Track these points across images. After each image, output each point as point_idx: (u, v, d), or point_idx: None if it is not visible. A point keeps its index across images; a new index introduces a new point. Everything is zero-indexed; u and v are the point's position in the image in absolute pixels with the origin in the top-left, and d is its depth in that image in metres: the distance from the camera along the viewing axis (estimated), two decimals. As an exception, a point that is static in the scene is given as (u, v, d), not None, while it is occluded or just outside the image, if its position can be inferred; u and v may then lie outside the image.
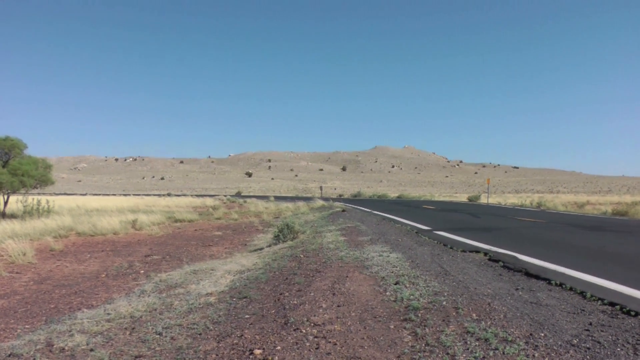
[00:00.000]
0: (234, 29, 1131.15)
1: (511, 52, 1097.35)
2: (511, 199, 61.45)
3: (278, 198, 69.30)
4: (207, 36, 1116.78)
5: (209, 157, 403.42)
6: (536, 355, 4.68)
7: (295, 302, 7.31)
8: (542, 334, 5.23)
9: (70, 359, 5.51)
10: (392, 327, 5.80)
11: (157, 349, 5.75)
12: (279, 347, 5.38)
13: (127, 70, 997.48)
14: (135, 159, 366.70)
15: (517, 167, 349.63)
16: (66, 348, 5.90)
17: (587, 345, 4.91)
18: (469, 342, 5.06)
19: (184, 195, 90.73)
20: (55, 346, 5.99)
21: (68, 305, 9.12)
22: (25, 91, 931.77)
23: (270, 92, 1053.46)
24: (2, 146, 26.35)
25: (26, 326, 7.85)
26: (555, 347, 4.87)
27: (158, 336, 6.21)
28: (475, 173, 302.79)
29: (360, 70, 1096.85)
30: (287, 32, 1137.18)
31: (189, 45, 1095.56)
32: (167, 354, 5.54)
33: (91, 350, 5.76)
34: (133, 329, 6.68)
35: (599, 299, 6.74)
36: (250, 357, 5.22)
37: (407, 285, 7.71)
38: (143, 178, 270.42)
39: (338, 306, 6.83)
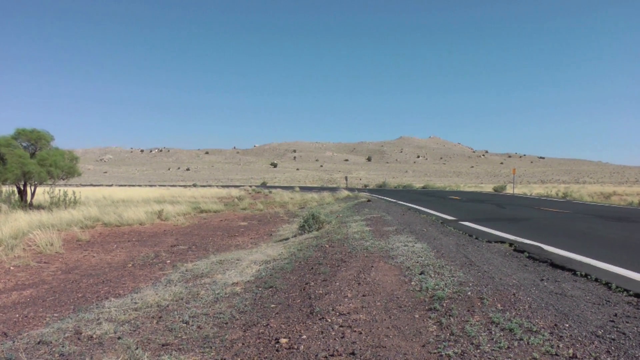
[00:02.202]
0: (260, 21, 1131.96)
1: (537, 44, 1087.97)
2: (537, 190, 61.11)
3: (303, 188, 69.36)
4: (233, 30, 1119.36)
5: (234, 147, 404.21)
6: (561, 345, 4.69)
7: (321, 291, 7.35)
8: (567, 325, 5.23)
9: (98, 347, 5.58)
10: (417, 316, 5.82)
11: (183, 337, 5.81)
12: (304, 336, 5.42)
13: (153, 63, 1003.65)
14: (161, 150, 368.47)
15: (543, 158, 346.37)
16: (94, 336, 5.98)
17: (612, 337, 4.90)
18: (493, 332, 5.07)
19: (210, 186, 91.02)
20: (83, 334, 6.08)
21: (95, 294, 9.25)
22: (52, 85, 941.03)
23: (295, 83, 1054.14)
24: (29, 138, 26.62)
25: (55, 314, 7.98)
26: (580, 338, 4.86)
27: (184, 325, 6.27)
28: (501, 163, 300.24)
29: (386, 61, 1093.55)
30: (313, 24, 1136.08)
31: (214, 39, 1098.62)
32: (194, 343, 5.60)
33: (119, 338, 5.83)
34: (160, 317, 6.75)
35: (625, 290, 6.71)
36: (276, 345, 5.26)
37: (432, 275, 7.73)
38: (168, 169, 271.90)
39: (363, 296, 6.87)
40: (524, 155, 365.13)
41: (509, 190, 56.33)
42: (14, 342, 6.05)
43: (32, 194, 27.04)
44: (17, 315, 8.03)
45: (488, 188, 69.90)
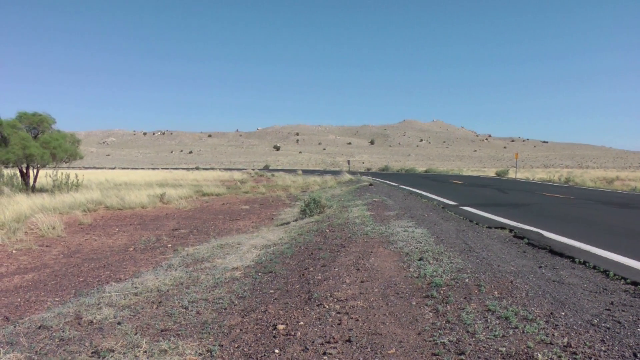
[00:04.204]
0: (264, 6, 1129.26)
1: (542, 30, 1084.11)
2: (540, 174, 60.94)
3: (306, 172, 69.31)
4: (237, 14, 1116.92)
5: (237, 130, 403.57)
6: (555, 334, 4.71)
7: (320, 277, 7.39)
8: (563, 313, 5.25)
9: (98, 332, 5.63)
10: (414, 303, 5.85)
11: (182, 323, 5.86)
12: (301, 323, 5.46)
13: (156, 46, 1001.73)
14: (164, 133, 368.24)
15: (546, 142, 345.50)
16: (94, 321, 6.03)
17: (607, 325, 4.92)
18: (489, 320, 5.10)
19: (212, 169, 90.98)
20: (83, 319, 6.12)
21: (97, 279, 9.30)
22: (54, 68, 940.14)
23: (298, 66, 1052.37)
24: (31, 121, 26.58)
25: (56, 299, 8.04)
26: (575, 327, 4.88)
27: (184, 310, 6.32)
28: (504, 147, 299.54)
29: (389, 44, 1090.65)
30: (316, 10, 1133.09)
31: (217, 23, 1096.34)
32: (192, 328, 5.64)
33: (118, 323, 5.88)
34: (160, 302, 6.80)
35: (622, 278, 6.72)
36: (274, 332, 5.30)
37: (431, 262, 7.74)
38: (171, 152, 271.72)
39: (361, 282, 6.89)
40: (527, 139, 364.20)
41: (512, 174, 56.19)
42: (15, 326, 6.11)
43: (35, 177, 27.03)
44: (19, 299, 8.09)
45: (491, 172, 69.77)
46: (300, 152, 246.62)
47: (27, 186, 25.81)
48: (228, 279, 7.92)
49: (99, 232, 15.04)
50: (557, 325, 4.93)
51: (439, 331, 4.93)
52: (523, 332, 4.78)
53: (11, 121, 25.62)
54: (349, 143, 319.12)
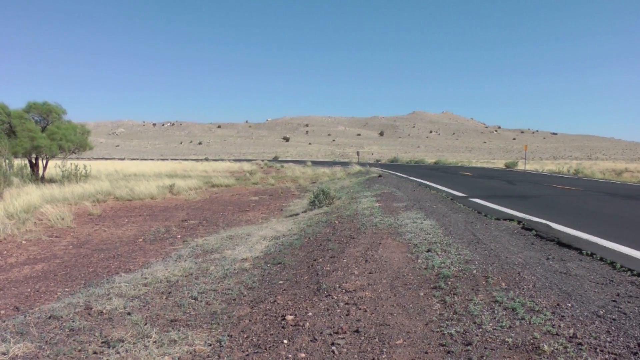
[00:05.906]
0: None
1: (551, 20, 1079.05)
2: (549, 166, 60.79)
3: (315, 163, 69.27)
4: (243, 4, 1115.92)
5: (247, 121, 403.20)
6: (562, 325, 4.73)
7: (328, 268, 7.42)
8: (569, 305, 5.27)
9: (108, 322, 5.68)
10: (421, 294, 5.88)
11: (192, 313, 5.90)
12: (310, 313, 5.49)
13: (166, 37, 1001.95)
14: (173, 124, 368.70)
15: (556, 134, 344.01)
16: (104, 311, 6.08)
17: (613, 317, 4.94)
18: (496, 312, 5.13)
19: (222, 160, 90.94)
20: (93, 309, 6.17)
21: (106, 269, 9.35)
22: (64, 59, 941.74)
23: (308, 57, 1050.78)
24: (41, 112, 26.61)
25: (66, 289, 8.10)
26: (581, 318, 4.90)
27: (193, 301, 6.36)
28: (514, 139, 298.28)
29: (399, 35, 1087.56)
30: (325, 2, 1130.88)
31: (225, 13, 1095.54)
32: (202, 319, 5.69)
33: (128, 313, 5.93)
34: (169, 293, 6.85)
35: (629, 269, 6.72)
36: (282, 322, 5.34)
37: (439, 253, 7.77)
38: (181, 143, 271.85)
39: (370, 273, 6.92)
40: (537, 131, 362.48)
41: (521, 166, 56.04)
42: (25, 316, 6.16)
43: (44, 168, 27.10)
44: (29, 290, 8.16)
45: (500, 164, 69.64)
46: (309, 144, 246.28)
47: (37, 177, 25.88)
48: (237, 270, 7.96)
49: (109, 223, 15.09)
50: (563, 316, 4.95)
51: (447, 322, 4.96)
52: (529, 323, 4.80)
53: (19, 112, 25.67)
54: (359, 134, 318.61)
